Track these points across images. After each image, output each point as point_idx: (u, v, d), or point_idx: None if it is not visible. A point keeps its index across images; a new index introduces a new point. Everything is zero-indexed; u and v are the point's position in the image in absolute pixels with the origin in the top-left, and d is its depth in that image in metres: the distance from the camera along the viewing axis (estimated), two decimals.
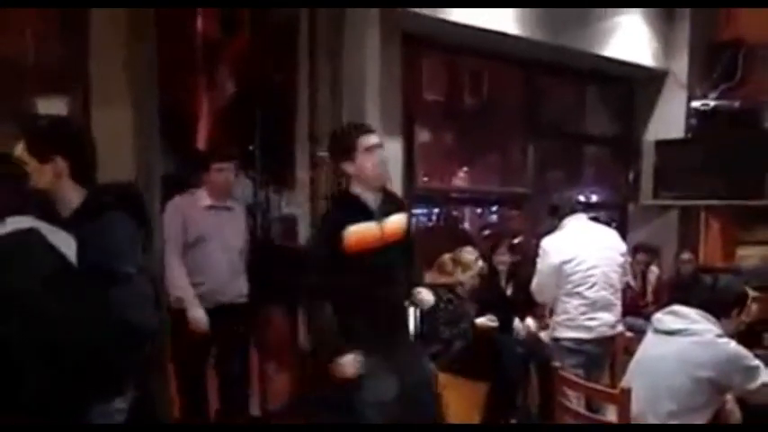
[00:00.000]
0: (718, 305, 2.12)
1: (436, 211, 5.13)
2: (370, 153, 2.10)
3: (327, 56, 3.30)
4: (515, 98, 4.73)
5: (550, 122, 4.93)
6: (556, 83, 4.91)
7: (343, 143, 2.14)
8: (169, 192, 2.85)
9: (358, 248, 2.07)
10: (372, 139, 2.12)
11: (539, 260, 2.95)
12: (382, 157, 2.14)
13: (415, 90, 4.12)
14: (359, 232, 2.08)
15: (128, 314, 1.47)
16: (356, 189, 2.16)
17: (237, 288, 2.83)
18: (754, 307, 2.24)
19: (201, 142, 4.00)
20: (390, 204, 2.22)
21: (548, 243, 2.93)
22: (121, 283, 1.48)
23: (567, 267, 2.83)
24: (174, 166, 3.49)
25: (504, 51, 4.18)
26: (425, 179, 4.47)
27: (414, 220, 4.33)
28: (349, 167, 2.13)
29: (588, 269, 2.83)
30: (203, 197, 2.80)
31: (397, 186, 3.95)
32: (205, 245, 2.73)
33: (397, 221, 2.20)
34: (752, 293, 2.19)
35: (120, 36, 2.57)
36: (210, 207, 2.79)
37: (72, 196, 1.58)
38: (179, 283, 2.66)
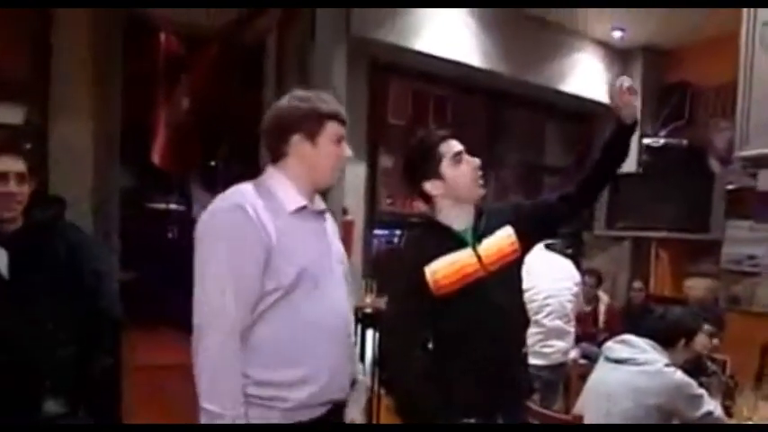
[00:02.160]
0: (666, 336, 2.20)
1: (398, 233, 5.18)
2: (459, 162, 1.61)
3: (295, 79, 3.33)
4: (478, 126, 4.86)
5: (511, 152, 5.07)
6: (517, 114, 5.07)
7: (424, 157, 1.61)
8: (127, 204, 2.79)
9: (449, 288, 1.54)
10: (457, 145, 1.63)
11: None
12: (476, 163, 1.63)
13: (380, 115, 4.19)
14: (447, 267, 1.55)
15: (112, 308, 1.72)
16: (443, 212, 1.63)
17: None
18: (702, 338, 2.33)
19: (161, 157, 3.95)
20: (488, 219, 1.64)
21: None
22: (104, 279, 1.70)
23: (525, 296, 2.89)
24: (133, 180, 3.44)
25: (468, 82, 4.30)
26: (389, 201, 4.52)
27: (375, 241, 4.36)
28: (434, 187, 1.61)
29: (545, 298, 2.91)
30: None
31: (359, 209, 4.00)
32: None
33: (498, 241, 1.62)
34: (706, 328, 2.28)
35: (83, 49, 2.54)
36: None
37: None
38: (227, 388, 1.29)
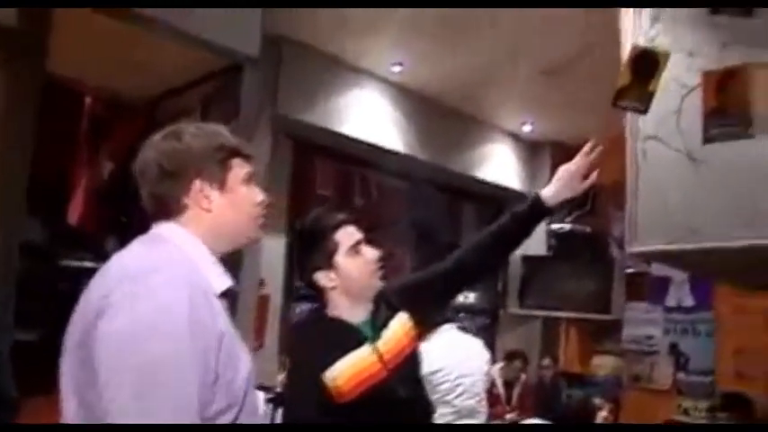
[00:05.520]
0: (571, 416, 2.31)
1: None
2: (357, 253, 1.45)
3: None
4: (398, 206, 5.03)
5: (429, 232, 5.25)
6: (436, 197, 5.29)
7: (317, 244, 1.44)
8: (30, 261, 2.65)
9: (351, 395, 1.37)
10: (356, 233, 1.48)
11: None
12: (375, 254, 1.49)
13: (307, 185, 4.26)
14: (347, 370, 1.38)
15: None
16: (338, 306, 1.46)
17: None
18: (603, 415, 2.46)
19: (77, 217, 3.83)
20: (384, 308, 1.49)
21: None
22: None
23: (436, 378, 2.94)
24: (46, 237, 3.32)
25: (390, 165, 4.49)
26: None
27: (297, 314, 4.30)
28: (327, 279, 1.44)
29: (456, 378, 2.96)
30: None
31: (278, 283, 3.97)
32: None
33: (396, 332, 1.47)
34: (604, 410, 2.42)
35: None
36: None
37: None
38: None
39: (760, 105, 1.65)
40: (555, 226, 5.21)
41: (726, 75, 1.72)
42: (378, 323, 1.46)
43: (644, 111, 1.84)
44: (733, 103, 1.70)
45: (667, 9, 1.88)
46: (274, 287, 3.91)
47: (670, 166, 1.88)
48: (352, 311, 1.45)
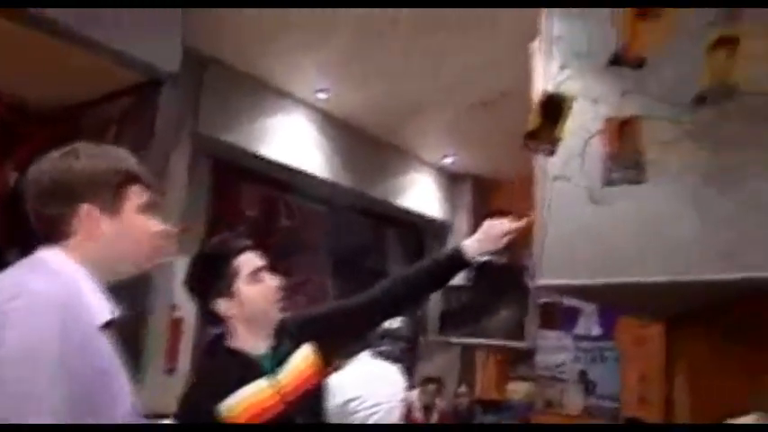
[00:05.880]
0: None
1: None
2: (258, 280, 1.42)
3: None
4: (320, 231, 5.01)
5: (351, 257, 5.26)
6: (359, 223, 5.32)
7: (217, 270, 1.41)
8: None
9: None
10: (257, 259, 1.44)
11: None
12: (277, 282, 1.46)
13: (229, 206, 4.16)
14: (243, 403, 1.34)
15: None
16: (237, 336, 1.42)
17: None
18: None
19: None
20: (288, 339, 1.45)
21: (332, 382, 3.01)
22: None
23: (351, 406, 2.92)
24: None
25: (314, 190, 4.48)
26: None
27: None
28: (227, 307, 1.41)
29: (372, 407, 2.95)
30: None
31: (192, 305, 3.82)
32: None
33: (297, 365, 1.43)
34: None
35: None
36: None
37: None
38: None
39: (650, 153, 1.78)
40: None
41: (623, 122, 1.84)
42: (279, 355, 1.41)
43: (551, 153, 1.95)
44: (629, 150, 1.83)
45: (574, 60, 2.02)
46: (188, 310, 3.77)
47: (575, 206, 1.99)
48: (253, 342, 1.41)
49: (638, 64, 1.76)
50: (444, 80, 3.59)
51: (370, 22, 3.08)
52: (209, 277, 1.41)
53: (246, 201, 4.61)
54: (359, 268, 5.41)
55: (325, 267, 4.93)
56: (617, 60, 1.81)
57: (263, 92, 3.86)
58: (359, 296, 1.57)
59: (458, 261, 1.58)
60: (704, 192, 1.71)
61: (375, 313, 1.58)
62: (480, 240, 1.59)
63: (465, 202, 5.49)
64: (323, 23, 3.12)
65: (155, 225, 1.06)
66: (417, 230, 5.63)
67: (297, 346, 1.44)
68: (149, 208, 1.06)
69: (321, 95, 3.96)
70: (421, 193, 5.15)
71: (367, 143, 4.56)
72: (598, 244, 1.95)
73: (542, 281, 2.16)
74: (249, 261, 1.42)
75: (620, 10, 1.82)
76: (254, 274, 1.41)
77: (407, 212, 5.09)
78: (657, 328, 2.66)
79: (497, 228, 1.61)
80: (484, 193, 5.58)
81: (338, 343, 1.59)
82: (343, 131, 4.34)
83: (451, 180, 5.47)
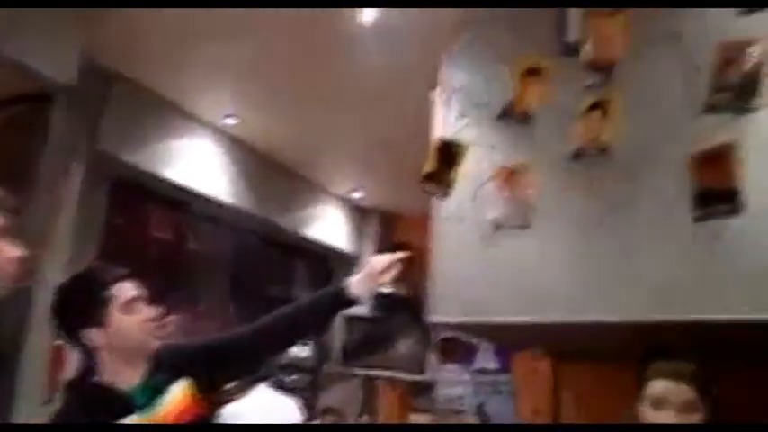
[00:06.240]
0: None
1: None
2: (131, 311, 1.37)
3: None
4: (228, 257, 4.89)
5: (258, 285, 5.16)
6: (264, 251, 5.25)
7: (87, 299, 1.36)
8: None
9: None
10: (132, 288, 1.40)
11: None
12: (151, 313, 1.41)
13: (138, 228, 3.98)
14: None
15: None
16: (107, 368, 1.36)
17: None
18: None
19: None
20: (164, 372, 1.40)
21: (226, 413, 2.94)
22: None
23: None
24: None
25: (220, 216, 4.40)
26: None
27: None
28: (97, 337, 1.34)
29: None
30: None
31: None
32: None
33: (173, 401, 1.37)
34: None
35: None
36: None
37: None
38: None
39: (535, 201, 1.92)
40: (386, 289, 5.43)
41: (513, 171, 1.97)
42: (153, 388, 1.36)
43: (445, 195, 2.05)
44: (517, 197, 1.96)
45: (472, 110, 2.14)
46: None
47: (466, 246, 2.09)
48: (124, 374, 1.35)
49: (525, 118, 1.90)
50: (354, 115, 3.67)
51: (283, 51, 3.12)
52: (79, 306, 1.35)
53: (155, 223, 4.44)
54: (265, 297, 5.32)
55: (229, 294, 4.81)
56: (506, 114, 1.94)
57: (171, 113, 3.77)
58: (241, 329, 1.55)
59: (342, 299, 1.57)
60: (581, 239, 1.85)
61: (257, 348, 1.55)
62: (363, 278, 1.60)
63: (372, 235, 5.58)
64: (236, 49, 3.12)
65: (9, 251, 1.02)
66: (326, 261, 5.63)
67: (174, 377, 1.39)
68: (3, 233, 1.02)
69: (230, 121, 3.92)
70: (328, 225, 5.18)
71: (276, 172, 4.55)
72: (485, 284, 2.05)
73: (434, 317, 2.24)
74: (123, 290, 1.37)
75: (514, 67, 1.97)
76: (128, 304, 1.36)
77: (316, 243, 5.09)
78: (546, 362, 2.81)
79: (378, 264, 1.61)
80: (391, 227, 5.69)
81: (217, 376, 1.51)
82: (251, 159, 4.31)
83: (360, 213, 5.54)
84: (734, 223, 1.58)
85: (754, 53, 1.56)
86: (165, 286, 4.67)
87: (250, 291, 4.95)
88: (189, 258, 4.84)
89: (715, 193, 1.61)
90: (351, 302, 1.57)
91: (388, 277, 1.64)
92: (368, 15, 2.44)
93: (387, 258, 1.65)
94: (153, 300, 1.42)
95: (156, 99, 3.65)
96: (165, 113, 3.74)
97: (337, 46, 2.84)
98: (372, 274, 1.59)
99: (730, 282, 1.57)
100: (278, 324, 1.54)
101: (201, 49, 3.16)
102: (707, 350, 1.51)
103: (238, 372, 1.62)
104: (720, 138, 1.61)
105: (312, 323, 1.63)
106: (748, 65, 1.57)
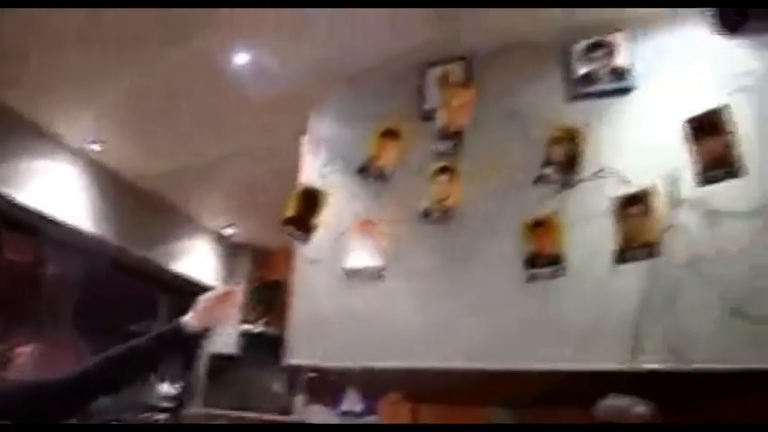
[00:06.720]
0: None
1: None
2: None
3: None
4: (81, 288, 4.57)
5: (117, 318, 4.86)
6: (125, 283, 4.98)
7: None
8: None
9: None
10: None
11: None
12: None
13: None
14: None
15: None
16: None
17: None
18: None
19: None
20: None
21: None
22: None
23: None
24: None
25: (76, 244, 4.12)
26: None
27: None
28: None
29: None
30: None
31: None
32: None
33: None
34: None
35: None
36: None
37: None
38: None
39: (389, 253, 2.03)
40: (245, 327, 5.31)
41: (370, 222, 2.08)
42: None
43: (305, 240, 2.10)
44: (373, 247, 2.06)
45: (338, 160, 2.24)
46: None
47: (323, 292, 2.15)
48: None
49: (381, 175, 2.02)
50: (228, 151, 3.64)
51: (158, 84, 3.05)
52: None
53: (11, 248, 4.07)
54: (122, 331, 4.99)
55: (85, 328, 4.48)
56: (365, 169, 2.05)
57: (30, 135, 3.52)
58: (69, 371, 1.46)
59: (178, 336, 1.57)
60: (428, 290, 1.97)
61: (85, 391, 1.46)
62: (196, 315, 1.59)
63: (243, 271, 5.49)
64: (105, 74, 3.00)
65: None
66: (193, 297, 5.42)
67: None
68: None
69: (96, 146, 3.73)
70: (197, 260, 5.02)
71: (144, 202, 4.36)
72: (339, 329, 2.11)
73: (291, 360, 2.27)
74: None
75: (374, 127, 2.09)
76: None
77: (183, 278, 4.90)
78: (407, 406, 2.94)
79: (209, 301, 1.62)
80: (263, 264, 5.63)
81: (44, 418, 1.40)
82: (117, 187, 4.11)
83: (231, 249, 5.44)
84: (560, 283, 1.78)
85: (577, 137, 1.80)
86: (20, 314, 4.29)
87: (96, 323, 4.64)
88: (43, 285, 4.49)
89: (544, 257, 1.80)
90: (188, 339, 1.57)
91: (223, 313, 1.65)
92: (241, 59, 2.48)
93: (214, 294, 1.67)
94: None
95: (16, 119, 3.40)
96: (24, 134, 3.49)
97: (213, 83, 2.84)
98: (203, 311, 1.59)
99: (556, 334, 1.75)
100: (115, 363, 1.48)
101: (72, 75, 3.02)
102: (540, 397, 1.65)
103: (66, 415, 1.51)
104: (548, 207, 1.81)
105: (151, 360, 1.57)
106: (571, 146, 1.80)
